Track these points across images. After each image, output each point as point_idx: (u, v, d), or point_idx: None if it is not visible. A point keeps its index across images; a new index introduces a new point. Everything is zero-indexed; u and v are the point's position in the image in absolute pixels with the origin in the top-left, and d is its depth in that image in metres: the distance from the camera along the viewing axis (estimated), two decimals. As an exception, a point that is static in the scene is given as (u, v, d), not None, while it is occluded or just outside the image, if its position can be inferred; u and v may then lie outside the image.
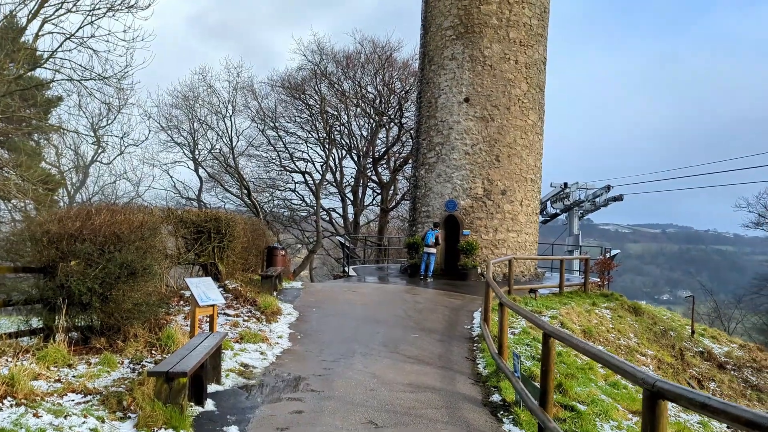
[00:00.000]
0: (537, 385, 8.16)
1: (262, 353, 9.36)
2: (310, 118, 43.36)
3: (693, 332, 21.23)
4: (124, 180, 38.00)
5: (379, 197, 44.25)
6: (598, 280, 20.51)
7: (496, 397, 8.03)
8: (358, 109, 43.68)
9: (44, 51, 19.21)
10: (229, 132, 37.18)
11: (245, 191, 38.83)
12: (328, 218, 45.35)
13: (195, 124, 39.39)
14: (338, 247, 38.61)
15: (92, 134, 34.21)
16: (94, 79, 17.09)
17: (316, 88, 42.65)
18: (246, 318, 11.21)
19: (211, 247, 13.17)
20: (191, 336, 8.91)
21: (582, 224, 43.80)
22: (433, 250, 19.61)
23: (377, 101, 43.25)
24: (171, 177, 41.30)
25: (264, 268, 16.63)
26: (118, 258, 7.81)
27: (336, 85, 43.07)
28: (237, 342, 9.61)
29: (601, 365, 11.65)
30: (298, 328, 11.48)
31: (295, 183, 44.82)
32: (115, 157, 36.20)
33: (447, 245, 21.07)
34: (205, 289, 9.14)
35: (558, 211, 42.40)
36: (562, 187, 41.60)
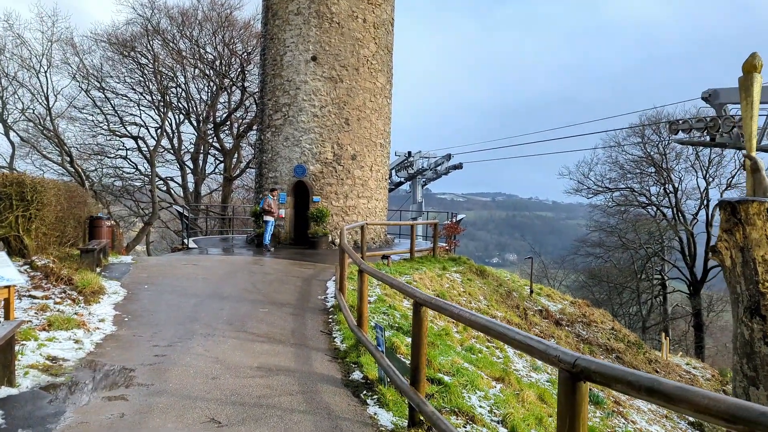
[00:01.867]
0: (403, 359, 7.51)
1: (77, 341, 7.74)
2: (142, 79, 39.45)
3: (531, 292, 22.31)
4: None
5: (222, 165, 41.71)
6: (446, 244, 20.68)
7: (357, 375, 7.25)
8: (197, 71, 40.52)
9: None
10: (45, 90, 32.56)
11: (67, 158, 34.47)
12: (165, 188, 41.99)
13: (3, 81, 34.06)
14: (178, 219, 35.88)
15: None
16: None
17: (149, 45, 38.81)
18: (58, 300, 9.36)
19: (14, 217, 10.93)
20: (-22, 327, 7.09)
21: (423, 193, 44.93)
22: (269, 218, 18.33)
23: (217, 63, 40.43)
24: (-27, 141, 35.56)
25: (86, 241, 14.45)
26: None
27: (171, 44, 39.51)
28: (44, 330, 7.88)
29: (457, 327, 11.41)
30: (126, 308, 9.85)
31: (127, 150, 40.79)
32: None
33: (297, 213, 20.00)
34: (-5, 267, 7.30)
35: (402, 179, 43.01)
36: (407, 155, 42.17)
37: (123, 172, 41.59)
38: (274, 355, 7.89)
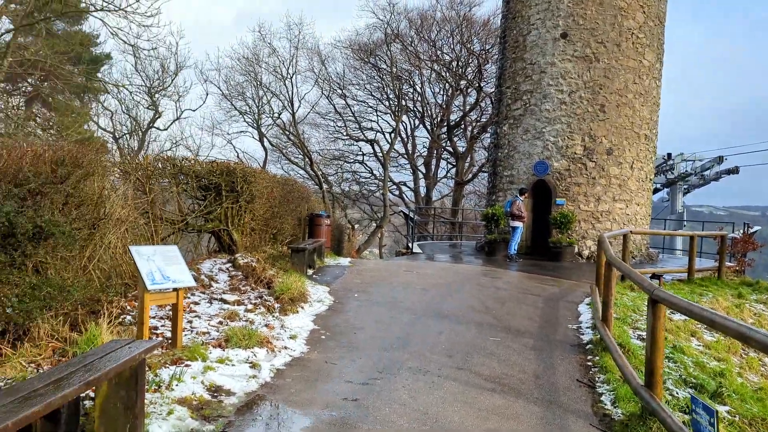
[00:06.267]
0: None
1: (253, 365, 5.94)
2: (380, 85, 39.73)
3: None
4: (183, 147, 35.81)
5: (454, 169, 40.18)
6: (735, 264, 15.95)
7: (653, 479, 4.25)
8: (433, 73, 39.59)
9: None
10: (290, 94, 34.09)
11: (308, 161, 35.82)
12: (398, 192, 41.82)
13: (260, 92, 36.60)
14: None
15: (148, 98, 32.05)
16: (108, 10, 14.12)
17: (387, 51, 38.84)
18: (251, 307, 7.84)
19: (222, 210, 9.88)
20: (139, 339, 5.62)
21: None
22: (518, 223, 15.66)
23: (454, 64, 39.01)
24: (234, 147, 38.94)
25: (305, 239, 13.33)
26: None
27: (409, 47, 39.11)
28: (219, 346, 6.24)
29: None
30: (326, 322, 8.02)
31: (363, 155, 41.47)
32: (171, 123, 34.01)
33: (535, 218, 17.06)
34: (162, 264, 5.80)
35: (659, 185, 37.03)
36: (666, 158, 36.21)
37: (360, 176, 42.42)
38: (510, 417, 5.24)
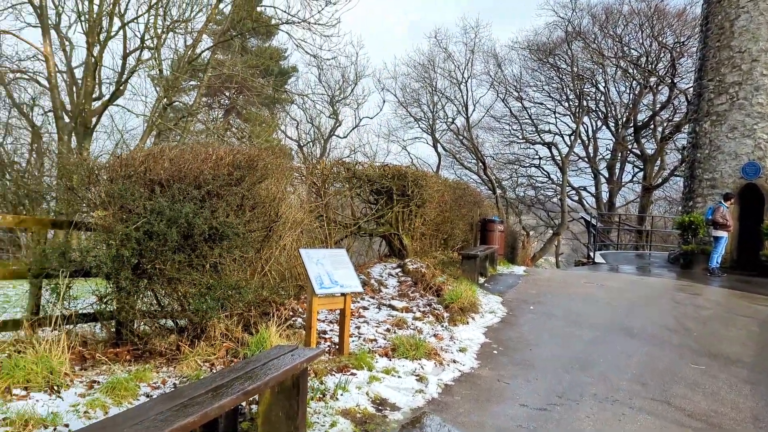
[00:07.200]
0: None
1: (420, 379, 5.61)
2: (560, 86, 37.86)
3: None
4: (360, 154, 37.22)
5: (641, 173, 36.99)
6: None
7: None
8: (618, 71, 36.83)
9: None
10: (464, 99, 33.80)
11: (481, 165, 35.23)
12: (577, 198, 39.53)
13: (434, 97, 36.85)
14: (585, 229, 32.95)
15: (329, 107, 33.75)
16: (293, 23, 14.88)
17: (568, 50, 36.90)
18: (419, 315, 7.55)
19: (394, 214, 9.76)
20: (306, 343, 5.57)
21: None
22: (721, 233, 13.75)
23: (643, 60, 35.94)
24: (408, 153, 39.63)
25: (476, 245, 12.85)
26: (167, 211, 4.68)
27: (592, 44, 36.79)
28: (385, 355, 6.00)
29: None
30: (498, 335, 7.47)
31: (540, 158, 39.79)
32: (350, 130, 35.45)
33: (741, 227, 14.88)
34: (330, 268, 5.70)
35: None
36: None
37: (535, 180, 40.81)
38: (723, 469, 4.32)
